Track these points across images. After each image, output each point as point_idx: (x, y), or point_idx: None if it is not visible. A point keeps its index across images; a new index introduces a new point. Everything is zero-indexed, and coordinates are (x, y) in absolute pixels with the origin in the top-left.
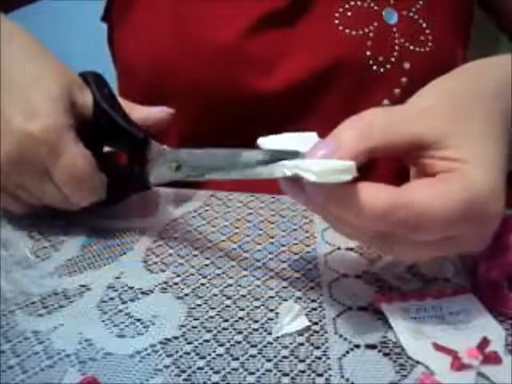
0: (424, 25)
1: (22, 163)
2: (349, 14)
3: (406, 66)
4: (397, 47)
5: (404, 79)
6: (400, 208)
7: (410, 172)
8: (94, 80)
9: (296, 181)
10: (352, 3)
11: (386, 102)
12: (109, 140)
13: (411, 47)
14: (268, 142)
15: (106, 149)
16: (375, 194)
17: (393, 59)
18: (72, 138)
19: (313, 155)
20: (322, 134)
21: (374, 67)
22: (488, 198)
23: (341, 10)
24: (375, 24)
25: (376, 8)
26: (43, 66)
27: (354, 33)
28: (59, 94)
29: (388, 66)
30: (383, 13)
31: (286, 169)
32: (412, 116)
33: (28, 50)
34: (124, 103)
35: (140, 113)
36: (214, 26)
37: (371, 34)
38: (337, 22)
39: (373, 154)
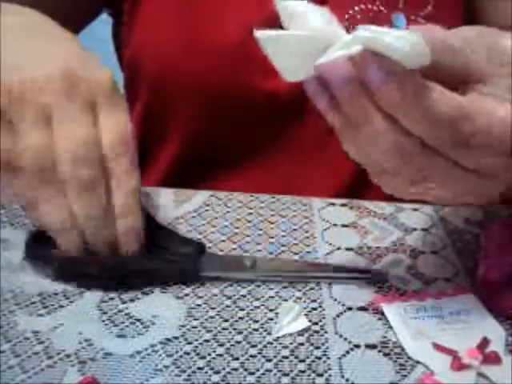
0: None
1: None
2: (358, 16)
3: None
4: None
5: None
6: (466, 119)
7: None
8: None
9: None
10: (362, 6)
11: None
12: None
13: None
14: (267, 36)
15: None
16: (457, 98)
17: None
18: None
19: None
20: (325, 135)
21: None
22: None
23: (350, 12)
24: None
25: (385, 11)
26: None
27: None
28: None
29: None
30: (392, 16)
31: (361, 42)
32: (468, 46)
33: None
34: None
35: None
36: (221, 24)
37: None
38: (346, 24)
39: (433, 71)
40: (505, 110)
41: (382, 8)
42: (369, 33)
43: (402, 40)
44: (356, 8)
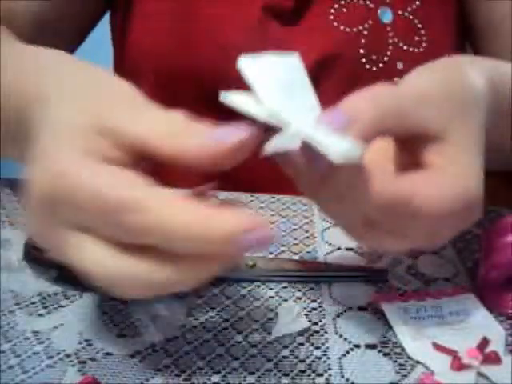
0: (419, 25)
1: None
2: (344, 10)
3: (400, 66)
4: (390, 47)
5: (397, 79)
6: (405, 204)
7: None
8: None
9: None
10: (348, 0)
11: None
12: None
13: (405, 47)
14: (249, 63)
15: None
16: (392, 184)
17: (386, 58)
18: None
19: (328, 126)
20: None
21: (367, 66)
22: (478, 201)
23: (336, 6)
24: (370, 22)
25: (371, 6)
26: None
27: (348, 30)
28: None
29: (381, 65)
30: (378, 11)
31: (301, 138)
32: (422, 104)
33: None
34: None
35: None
36: (218, 22)
37: (365, 32)
38: (332, 18)
39: (383, 135)
40: (449, 185)
41: (368, 2)
42: (309, 131)
43: (336, 144)
44: (342, 2)
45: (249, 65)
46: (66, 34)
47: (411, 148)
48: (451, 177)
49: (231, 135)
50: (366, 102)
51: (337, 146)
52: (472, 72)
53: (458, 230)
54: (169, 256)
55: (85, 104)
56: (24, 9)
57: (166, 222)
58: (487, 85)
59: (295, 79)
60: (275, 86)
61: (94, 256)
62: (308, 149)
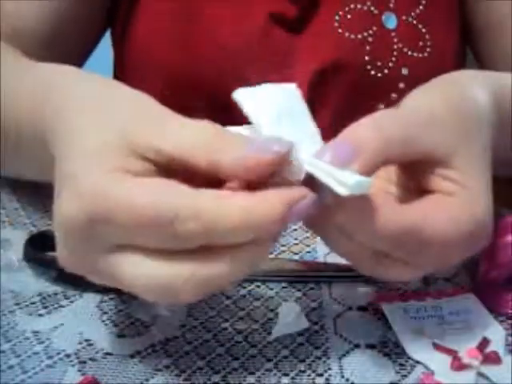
0: (423, 30)
1: None
2: (349, 16)
3: (405, 71)
4: (395, 52)
5: (402, 84)
6: (414, 233)
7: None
8: None
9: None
10: (352, 6)
11: (381, 106)
12: None
13: (409, 53)
14: (245, 95)
15: None
16: (403, 213)
17: (391, 64)
18: None
19: (332, 159)
20: (325, 139)
21: (372, 72)
22: (487, 225)
23: (341, 12)
24: (374, 28)
25: (375, 12)
26: None
27: (352, 36)
28: None
29: (386, 71)
30: (382, 17)
31: (305, 170)
32: (427, 128)
33: None
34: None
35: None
36: (218, 23)
37: (370, 39)
38: (337, 25)
39: (388, 163)
40: (456, 211)
41: (372, 8)
42: (312, 163)
43: (341, 175)
44: (347, 8)
45: (246, 97)
46: (73, 49)
47: (415, 173)
48: (458, 202)
49: (270, 147)
50: (370, 131)
51: (342, 178)
52: (475, 88)
53: (466, 256)
54: (215, 251)
55: (108, 122)
56: (28, 26)
57: (218, 221)
58: (490, 99)
59: (294, 109)
60: (275, 117)
61: (140, 271)
62: (312, 180)
